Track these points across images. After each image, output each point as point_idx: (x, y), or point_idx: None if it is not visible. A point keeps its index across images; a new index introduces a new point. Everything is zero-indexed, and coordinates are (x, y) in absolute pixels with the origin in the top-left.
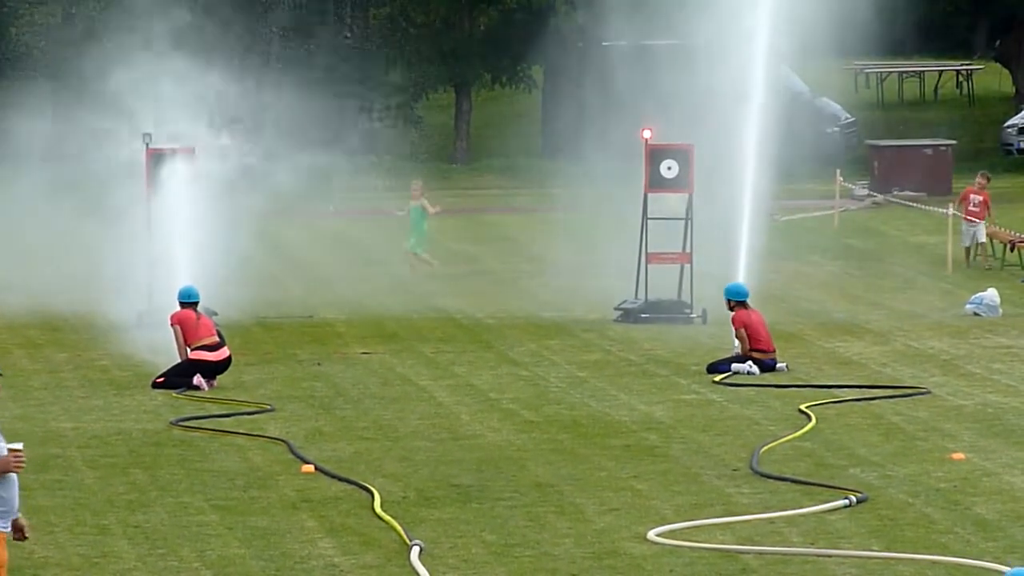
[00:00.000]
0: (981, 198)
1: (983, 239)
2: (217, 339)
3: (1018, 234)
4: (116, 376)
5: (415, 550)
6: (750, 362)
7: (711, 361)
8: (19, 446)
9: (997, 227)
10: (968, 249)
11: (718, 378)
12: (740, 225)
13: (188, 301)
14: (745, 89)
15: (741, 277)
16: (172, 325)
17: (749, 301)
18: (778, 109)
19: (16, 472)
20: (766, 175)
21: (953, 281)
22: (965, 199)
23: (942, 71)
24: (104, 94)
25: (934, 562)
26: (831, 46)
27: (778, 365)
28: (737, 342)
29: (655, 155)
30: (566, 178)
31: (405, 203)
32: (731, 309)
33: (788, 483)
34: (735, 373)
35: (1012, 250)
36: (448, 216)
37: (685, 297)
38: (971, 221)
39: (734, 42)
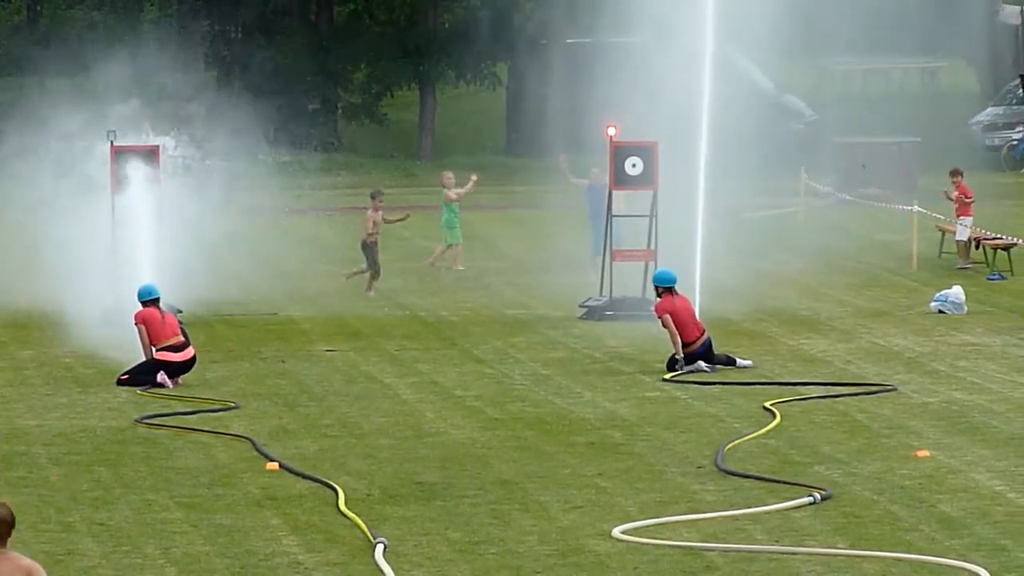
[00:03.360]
0: (956, 193)
1: (960, 237)
2: (182, 339)
3: (983, 231)
4: (80, 373)
5: (379, 548)
6: (699, 362)
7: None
8: None
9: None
10: (964, 244)
11: (668, 375)
12: (700, 223)
13: (148, 299)
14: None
15: (698, 273)
16: (136, 324)
17: (731, 301)
18: (740, 106)
19: None
20: (729, 172)
21: (918, 278)
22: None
23: (907, 68)
24: (68, 90)
25: (899, 559)
26: (796, 43)
27: (741, 362)
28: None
29: (620, 152)
30: (530, 175)
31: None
32: (659, 296)
33: (753, 480)
34: (696, 371)
35: (977, 247)
36: (413, 213)
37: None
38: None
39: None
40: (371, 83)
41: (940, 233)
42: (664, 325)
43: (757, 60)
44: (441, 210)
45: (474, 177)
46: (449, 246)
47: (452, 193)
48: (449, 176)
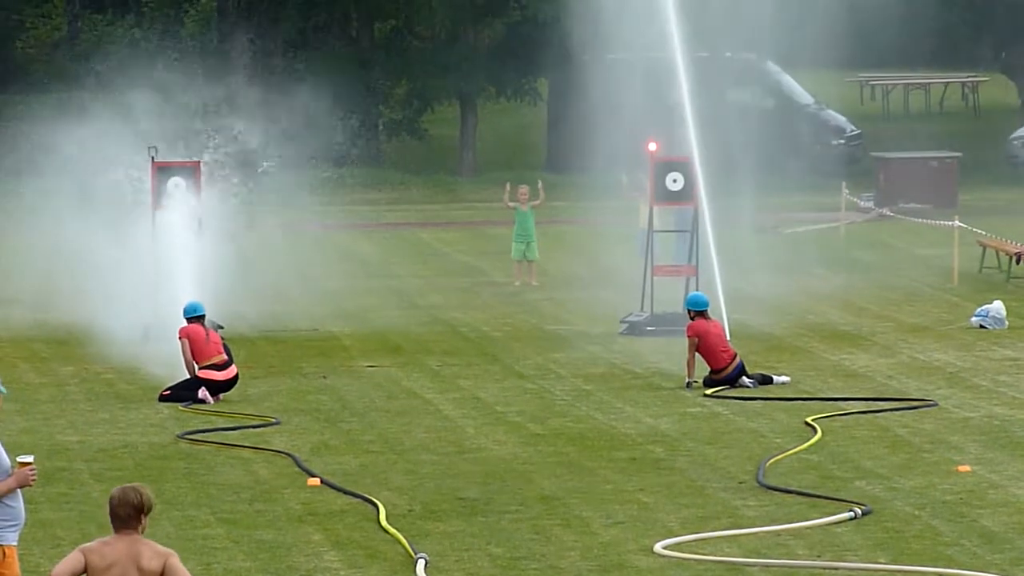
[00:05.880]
0: None
1: None
2: (225, 357)
3: (1023, 246)
4: (122, 389)
5: (420, 563)
6: (744, 377)
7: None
8: (30, 459)
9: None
10: None
11: (710, 391)
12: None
13: (194, 315)
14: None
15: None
16: (180, 338)
17: (772, 316)
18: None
19: (29, 485)
20: (770, 187)
21: (959, 293)
22: None
23: (948, 83)
24: (109, 107)
25: (940, 574)
26: (837, 58)
27: (778, 379)
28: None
29: (660, 168)
30: (571, 190)
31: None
32: (692, 319)
33: (794, 496)
34: (740, 387)
35: (1018, 262)
36: (453, 228)
37: None
38: None
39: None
40: (411, 99)
41: (981, 248)
42: (688, 347)
43: (798, 75)
44: (517, 223)
45: (540, 183)
46: (530, 262)
47: (515, 203)
48: (524, 190)
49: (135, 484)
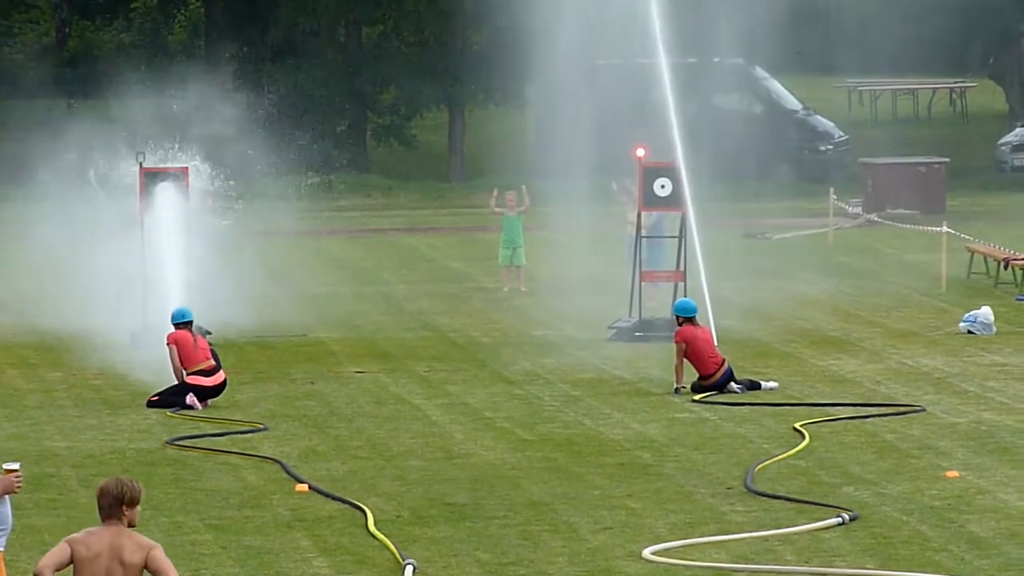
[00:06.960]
0: None
1: None
2: (213, 363)
3: (1012, 252)
4: (110, 395)
5: (408, 569)
6: (732, 383)
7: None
8: (16, 466)
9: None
10: None
11: (698, 397)
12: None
13: (182, 321)
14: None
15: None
16: (168, 344)
17: (760, 322)
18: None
19: (15, 492)
20: (758, 193)
21: (947, 299)
22: None
23: (935, 89)
24: (97, 112)
25: None
26: (824, 63)
27: (766, 384)
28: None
29: (648, 173)
30: (559, 196)
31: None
32: (680, 325)
33: (782, 501)
34: (728, 392)
35: (1006, 268)
36: (442, 234)
37: None
38: None
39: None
40: (400, 104)
41: (969, 254)
42: (676, 353)
43: (786, 80)
44: (504, 229)
45: (524, 187)
46: (517, 267)
47: (501, 209)
48: (510, 196)
49: (125, 477)
